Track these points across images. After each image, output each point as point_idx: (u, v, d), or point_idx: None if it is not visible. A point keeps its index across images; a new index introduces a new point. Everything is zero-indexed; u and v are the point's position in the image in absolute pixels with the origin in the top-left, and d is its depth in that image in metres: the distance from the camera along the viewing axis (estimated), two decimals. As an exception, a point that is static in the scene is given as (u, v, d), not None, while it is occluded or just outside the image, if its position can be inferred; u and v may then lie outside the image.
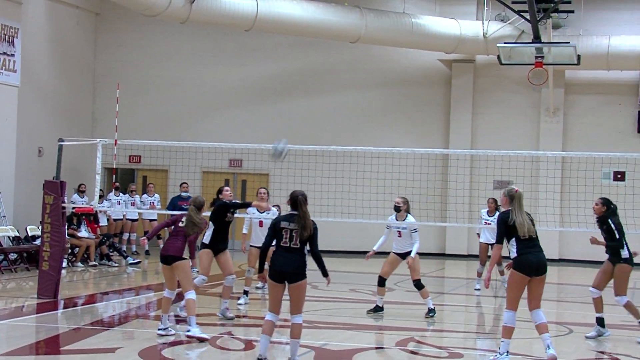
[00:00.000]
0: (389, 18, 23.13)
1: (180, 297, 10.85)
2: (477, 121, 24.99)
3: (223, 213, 11.28)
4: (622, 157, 20.88)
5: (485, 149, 22.24)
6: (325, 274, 8.26)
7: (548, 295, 15.39)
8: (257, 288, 14.47)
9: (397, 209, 12.20)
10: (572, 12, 21.13)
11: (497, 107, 24.92)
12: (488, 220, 15.81)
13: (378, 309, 12.26)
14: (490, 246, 15.60)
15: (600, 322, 10.77)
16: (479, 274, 16.11)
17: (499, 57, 19.03)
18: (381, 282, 12.31)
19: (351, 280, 17.22)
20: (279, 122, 24.73)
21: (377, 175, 21.10)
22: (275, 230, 8.15)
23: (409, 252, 12.15)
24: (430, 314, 12.09)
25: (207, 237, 11.45)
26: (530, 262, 8.49)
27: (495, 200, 15.89)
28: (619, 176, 23.14)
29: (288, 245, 8.02)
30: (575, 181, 18.17)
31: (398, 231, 12.27)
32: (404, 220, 12.19)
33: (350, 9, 22.81)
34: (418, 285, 12.19)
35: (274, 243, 8.17)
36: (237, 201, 13.53)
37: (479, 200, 19.99)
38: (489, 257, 14.50)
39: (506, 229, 8.57)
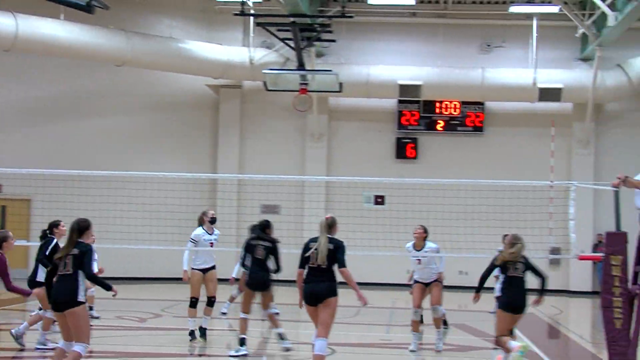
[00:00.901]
0: (156, 42, 24.13)
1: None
2: (245, 146, 26.57)
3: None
4: (381, 181, 23.32)
5: (252, 174, 23.72)
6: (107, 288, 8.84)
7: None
8: None
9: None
10: (334, 41, 22.94)
11: (265, 133, 26.66)
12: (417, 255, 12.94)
13: None
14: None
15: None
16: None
17: (265, 83, 19.96)
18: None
19: (125, 307, 17.76)
20: (45, 145, 24.79)
21: (148, 200, 21.78)
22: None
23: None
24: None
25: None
26: (306, 292, 9.31)
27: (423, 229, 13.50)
28: (379, 200, 25.67)
29: None
30: (339, 205, 19.80)
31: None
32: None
33: (116, 32, 23.44)
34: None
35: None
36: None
37: (247, 224, 21.36)
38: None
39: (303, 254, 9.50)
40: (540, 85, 24.88)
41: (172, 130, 26.32)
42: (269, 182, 20.19)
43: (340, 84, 19.75)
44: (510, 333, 10.91)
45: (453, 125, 26.26)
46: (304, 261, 9.44)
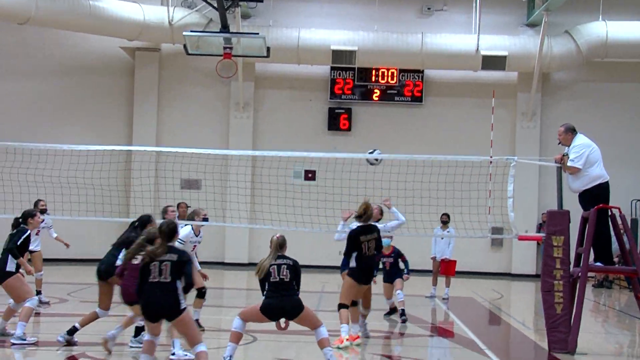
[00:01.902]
0: (64, -2, 23.56)
1: None
2: (163, 116, 26.27)
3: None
4: (312, 155, 23.25)
5: (172, 146, 23.40)
6: None
7: (235, 302, 17.09)
8: None
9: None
10: (262, 1, 22.80)
11: (185, 101, 26.40)
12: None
13: None
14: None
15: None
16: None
17: (185, 46, 19.71)
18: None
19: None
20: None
21: (56, 174, 21.25)
22: None
23: None
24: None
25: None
26: (271, 306, 9.74)
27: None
28: (310, 175, 25.67)
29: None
30: (267, 179, 19.69)
31: None
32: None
33: (19, -14, 22.87)
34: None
35: None
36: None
37: (167, 201, 21.14)
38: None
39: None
40: (484, 52, 25.08)
41: (82, 97, 25.88)
42: (189, 156, 19.97)
43: (268, 49, 19.64)
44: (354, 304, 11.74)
45: (390, 94, 26.34)
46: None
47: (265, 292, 9.84)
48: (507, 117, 26.00)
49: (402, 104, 26.40)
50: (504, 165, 14.29)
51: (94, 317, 11.22)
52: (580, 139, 11.56)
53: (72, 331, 11.04)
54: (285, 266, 9.82)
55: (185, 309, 8.60)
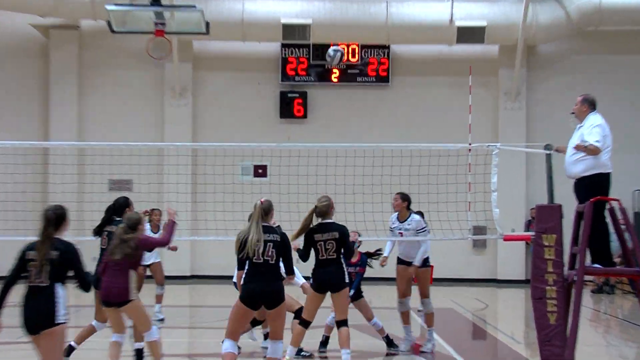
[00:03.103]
0: (-38, -33, 23.29)
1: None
2: (85, 105, 26.05)
3: None
4: (262, 147, 23.22)
5: (97, 141, 23.30)
6: None
7: (177, 322, 17.02)
8: None
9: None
10: None
11: (111, 87, 26.23)
12: (400, 227, 14.02)
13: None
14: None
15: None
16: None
17: (109, 23, 19.53)
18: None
19: None
20: None
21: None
22: None
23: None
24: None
25: None
26: (253, 292, 9.69)
27: (404, 197, 14.20)
28: (260, 171, 25.61)
29: None
30: (212, 178, 19.61)
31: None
32: None
33: None
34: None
35: None
36: None
37: (92, 206, 20.98)
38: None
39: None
40: (459, 23, 25.18)
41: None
42: (118, 151, 19.84)
43: (207, 24, 19.46)
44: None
45: (351, 75, 26.41)
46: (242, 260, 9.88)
47: (244, 275, 9.76)
48: (487, 98, 26.15)
49: (366, 86, 26.46)
50: (486, 153, 14.35)
51: (92, 330, 11.22)
52: (599, 119, 11.55)
53: (69, 351, 11.03)
54: (272, 244, 9.72)
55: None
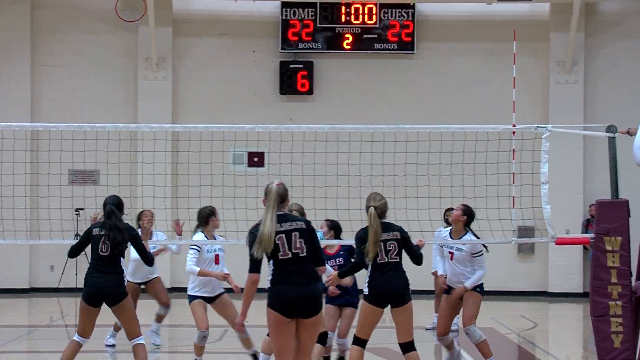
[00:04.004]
0: None
1: None
2: (40, 78, 26.04)
3: None
4: (258, 130, 23.10)
5: (53, 122, 23.21)
6: None
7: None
8: None
9: None
10: None
11: (72, 57, 26.18)
12: (452, 247, 14.27)
13: None
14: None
15: None
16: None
17: None
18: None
19: None
20: None
21: None
22: None
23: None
24: None
25: None
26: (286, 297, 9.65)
27: (468, 211, 14.23)
28: (256, 159, 25.56)
29: None
30: (193, 169, 19.59)
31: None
32: None
33: None
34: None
35: None
36: None
37: (50, 202, 20.93)
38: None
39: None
40: (501, -25, 25.19)
41: None
42: (80, 135, 19.78)
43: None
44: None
45: (368, 41, 26.33)
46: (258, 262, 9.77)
47: (271, 276, 9.72)
48: (536, 69, 26.03)
49: (386, 54, 26.39)
50: (534, 137, 14.25)
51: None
52: None
53: None
54: (298, 233, 9.72)
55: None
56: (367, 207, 11.46)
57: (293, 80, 26.38)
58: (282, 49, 26.43)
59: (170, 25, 26.24)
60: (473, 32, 26.45)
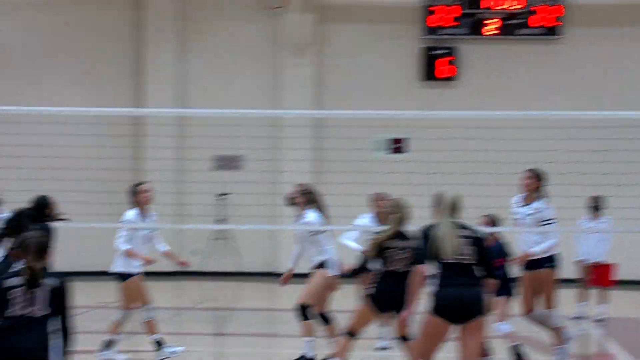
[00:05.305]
0: None
1: None
2: (186, 65, 26.27)
3: None
4: (400, 117, 23.01)
5: (199, 107, 23.44)
6: None
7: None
8: None
9: (290, 202, 13.43)
10: None
11: (217, 44, 26.33)
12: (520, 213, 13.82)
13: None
14: None
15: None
16: None
17: None
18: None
19: None
20: None
21: (33, 152, 21.37)
22: None
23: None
24: None
25: None
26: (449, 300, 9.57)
27: (536, 175, 13.80)
28: (398, 146, 25.41)
29: None
30: (333, 155, 19.55)
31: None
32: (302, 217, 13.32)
33: None
34: (301, 312, 13.00)
35: None
36: None
37: (195, 187, 21.11)
38: None
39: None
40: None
41: (68, 39, 26.07)
42: (226, 121, 19.90)
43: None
44: None
45: (512, 26, 25.98)
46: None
47: (439, 279, 9.63)
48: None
49: (532, 40, 26.01)
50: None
51: None
52: None
53: None
54: (469, 241, 9.65)
55: None
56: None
57: (435, 66, 26.18)
58: (425, 34, 26.22)
59: (314, 12, 26.22)
60: (628, 16, 25.87)
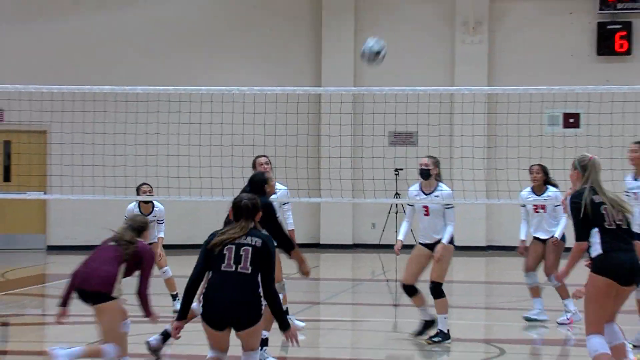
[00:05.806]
0: None
1: None
2: (362, 44, 26.51)
3: None
4: (574, 91, 22.84)
5: (374, 86, 23.65)
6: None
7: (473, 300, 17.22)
8: None
9: (424, 174, 12.73)
10: None
11: (392, 23, 26.58)
12: (536, 201, 14.51)
13: (428, 325, 12.79)
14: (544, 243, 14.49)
15: None
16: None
17: None
18: (410, 291, 12.80)
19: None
20: (50, 49, 25.74)
21: (216, 128, 21.79)
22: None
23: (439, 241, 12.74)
24: (436, 339, 12.52)
25: None
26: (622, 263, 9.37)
27: (542, 169, 14.74)
28: (572, 121, 25.29)
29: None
30: (507, 130, 19.57)
31: (425, 208, 12.74)
32: (433, 192, 12.75)
33: None
34: (435, 290, 12.65)
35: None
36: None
37: (375, 163, 21.41)
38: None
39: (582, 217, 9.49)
40: None
41: (252, 22, 26.72)
42: (401, 98, 20.13)
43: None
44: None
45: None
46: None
47: (599, 245, 9.36)
48: None
49: None
50: None
51: None
52: None
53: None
54: (618, 207, 9.57)
55: None
56: None
57: (610, 41, 25.94)
58: (600, 10, 25.97)
59: (487, -10, 26.32)
60: None
